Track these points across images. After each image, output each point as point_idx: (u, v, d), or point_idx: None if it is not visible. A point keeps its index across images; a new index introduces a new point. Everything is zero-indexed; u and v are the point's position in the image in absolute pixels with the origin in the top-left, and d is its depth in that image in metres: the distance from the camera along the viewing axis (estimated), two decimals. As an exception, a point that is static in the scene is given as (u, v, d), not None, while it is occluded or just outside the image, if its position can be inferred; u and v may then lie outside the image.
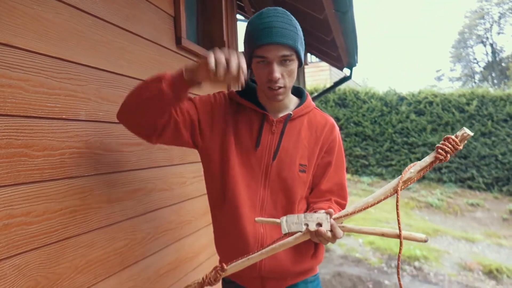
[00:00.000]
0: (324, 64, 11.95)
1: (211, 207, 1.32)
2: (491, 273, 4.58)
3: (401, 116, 9.71)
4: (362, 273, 4.42)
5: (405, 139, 9.65)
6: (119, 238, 1.37)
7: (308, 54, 6.41)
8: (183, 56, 1.91)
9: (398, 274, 0.90)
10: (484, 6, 25.86)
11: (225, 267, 1.14)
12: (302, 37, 1.16)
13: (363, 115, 10.03)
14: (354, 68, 5.37)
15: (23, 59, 1.01)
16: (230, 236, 1.25)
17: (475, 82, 25.46)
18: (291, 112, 1.23)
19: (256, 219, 1.09)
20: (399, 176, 0.93)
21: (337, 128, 1.31)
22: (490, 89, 9.73)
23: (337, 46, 4.21)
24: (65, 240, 1.13)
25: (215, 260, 2.18)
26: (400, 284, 0.91)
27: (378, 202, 0.96)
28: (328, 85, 9.62)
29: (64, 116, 1.14)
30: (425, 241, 0.92)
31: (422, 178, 9.46)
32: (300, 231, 1.01)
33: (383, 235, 0.98)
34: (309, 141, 1.24)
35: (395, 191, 0.92)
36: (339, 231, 1.01)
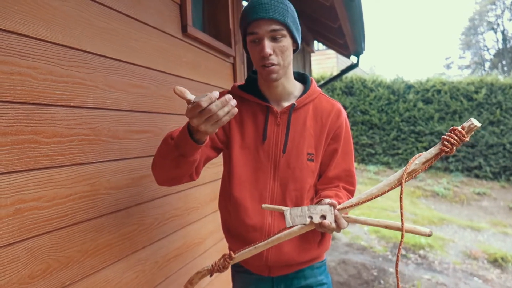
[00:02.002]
0: (331, 52, 11.85)
1: (220, 198, 1.38)
2: (496, 262, 4.59)
3: (408, 105, 9.64)
4: (367, 261, 4.45)
5: (412, 127, 9.60)
6: (127, 224, 1.40)
7: (315, 42, 6.35)
8: (189, 44, 1.92)
9: (396, 267, 0.90)
10: (496, -8, 25.33)
11: (233, 255, 1.17)
12: (295, 17, 1.16)
13: (370, 104, 9.98)
14: (361, 56, 5.32)
15: (31, 47, 1.02)
16: (237, 227, 1.29)
17: (484, 70, 25.10)
18: (295, 103, 1.23)
19: (263, 206, 1.11)
20: (404, 168, 0.92)
21: (344, 113, 1.28)
22: (500, 77, 9.60)
23: (344, 33, 4.18)
24: (75, 225, 1.15)
25: (221, 246, 2.22)
26: (397, 276, 0.91)
27: (382, 194, 0.96)
28: (335, 73, 9.56)
29: (72, 104, 1.16)
30: (429, 235, 0.92)
31: (428, 167, 9.42)
32: (304, 224, 1.03)
33: (386, 227, 0.99)
34: (315, 129, 1.24)
35: (400, 182, 0.92)
36: (343, 222, 1.02)
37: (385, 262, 4.47)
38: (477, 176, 9.05)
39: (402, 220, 0.89)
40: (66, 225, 1.12)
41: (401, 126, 9.69)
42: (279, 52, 1.13)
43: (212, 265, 1.22)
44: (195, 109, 0.90)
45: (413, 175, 0.91)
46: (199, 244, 1.98)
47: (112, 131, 1.33)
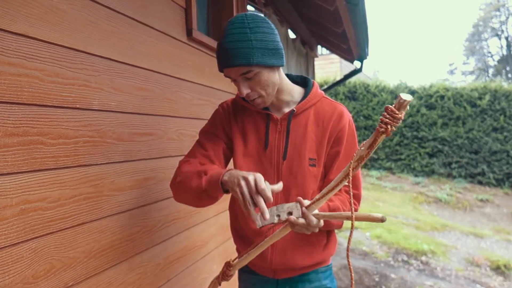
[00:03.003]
0: (335, 57, 11.85)
1: (230, 201, 1.41)
2: (499, 269, 4.56)
3: (411, 110, 9.62)
4: (369, 266, 4.44)
5: (415, 133, 9.58)
6: (130, 225, 1.41)
7: (319, 46, 6.37)
8: (194, 48, 1.93)
9: (348, 257, 0.87)
10: (500, -2, 25.34)
11: (232, 263, 1.22)
12: (266, 43, 1.09)
13: (373, 109, 9.97)
14: (364, 61, 5.32)
15: (39, 49, 1.03)
16: (244, 230, 1.31)
17: (488, 76, 25.05)
18: (294, 108, 1.22)
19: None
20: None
21: (346, 116, 1.25)
22: (504, 84, 9.57)
23: (347, 38, 4.19)
24: (79, 225, 1.16)
25: (223, 249, 2.22)
26: (350, 269, 0.91)
27: (334, 188, 0.94)
28: (338, 78, 9.55)
29: (78, 106, 1.17)
30: (382, 221, 0.87)
31: (431, 172, 9.41)
32: (273, 223, 1.02)
33: (340, 218, 0.98)
34: (316, 133, 1.23)
35: (347, 173, 0.89)
36: (312, 218, 1.00)
37: (387, 267, 4.46)
38: (480, 183, 9.00)
39: (351, 210, 0.87)
40: (70, 226, 1.13)
41: (404, 131, 9.67)
42: (257, 87, 1.14)
43: (218, 276, 1.27)
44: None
45: (361, 162, 0.87)
46: (201, 246, 1.99)
47: (117, 133, 1.35)
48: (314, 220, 1.01)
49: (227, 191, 1.06)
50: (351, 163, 0.88)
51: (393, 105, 0.80)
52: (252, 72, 1.10)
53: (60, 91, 1.10)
